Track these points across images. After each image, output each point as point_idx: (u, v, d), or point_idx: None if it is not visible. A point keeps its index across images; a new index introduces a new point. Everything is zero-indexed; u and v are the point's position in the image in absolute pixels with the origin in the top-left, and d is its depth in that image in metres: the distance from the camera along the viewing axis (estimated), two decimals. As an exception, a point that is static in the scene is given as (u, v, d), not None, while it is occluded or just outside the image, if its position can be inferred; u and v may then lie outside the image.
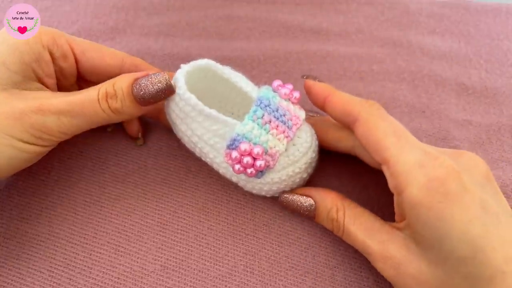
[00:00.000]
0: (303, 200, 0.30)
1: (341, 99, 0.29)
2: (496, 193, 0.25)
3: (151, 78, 0.29)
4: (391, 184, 0.26)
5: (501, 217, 0.23)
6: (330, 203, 0.29)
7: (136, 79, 0.29)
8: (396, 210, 0.27)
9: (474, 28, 0.47)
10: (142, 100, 0.29)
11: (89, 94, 0.28)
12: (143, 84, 0.28)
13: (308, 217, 0.31)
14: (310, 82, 0.31)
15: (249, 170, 0.28)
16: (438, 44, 0.45)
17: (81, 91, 0.29)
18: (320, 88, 0.30)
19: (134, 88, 0.28)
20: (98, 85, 0.29)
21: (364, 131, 0.27)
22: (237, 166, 0.28)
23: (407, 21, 0.47)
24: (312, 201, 0.30)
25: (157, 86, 0.28)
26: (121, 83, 0.29)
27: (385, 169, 0.26)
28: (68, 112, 0.28)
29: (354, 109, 0.28)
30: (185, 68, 0.31)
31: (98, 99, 0.28)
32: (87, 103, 0.28)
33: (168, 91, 0.29)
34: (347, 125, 0.29)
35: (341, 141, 0.31)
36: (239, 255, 0.31)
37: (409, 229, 0.25)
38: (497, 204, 0.24)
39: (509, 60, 0.44)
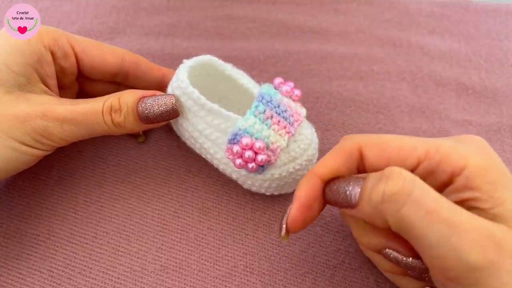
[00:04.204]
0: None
1: (333, 158, 0.25)
2: None
3: (157, 99, 0.29)
4: (443, 173, 0.23)
5: None
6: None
7: (143, 98, 0.29)
8: (458, 194, 0.23)
9: (474, 28, 0.47)
10: (145, 119, 0.29)
11: (94, 106, 0.29)
12: (148, 104, 0.29)
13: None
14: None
15: (250, 165, 0.28)
16: (438, 44, 0.45)
17: (87, 100, 0.29)
18: (309, 186, 0.25)
19: (140, 106, 0.29)
20: (103, 97, 0.29)
21: (378, 150, 0.24)
22: (238, 161, 0.28)
23: (407, 21, 0.47)
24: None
25: (162, 108, 0.29)
26: (127, 98, 0.29)
27: (425, 167, 0.23)
28: (72, 120, 0.28)
29: (349, 145, 0.25)
30: (187, 63, 0.31)
31: (102, 112, 0.29)
32: (91, 114, 0.28)
33: (173, 114, 0.30)
34: (353, 164, 0.25)
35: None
36: (239, 255, 0.31)
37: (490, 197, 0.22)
38: None
39: (509, 60, 0.44)
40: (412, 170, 0.24)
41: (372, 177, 0.23)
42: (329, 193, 0.25)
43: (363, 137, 0.25)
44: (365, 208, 0.23)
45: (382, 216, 0.22)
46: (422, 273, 0.25)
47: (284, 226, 0.25)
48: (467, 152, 0.23)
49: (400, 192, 0.21)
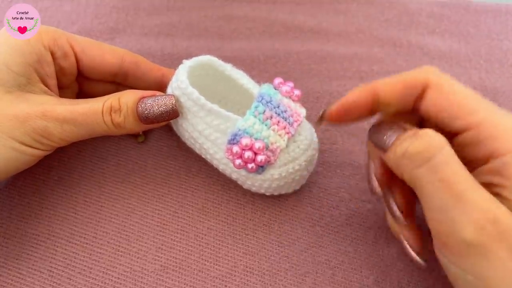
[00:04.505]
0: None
1: (395, 80, 0.26)
2: None
3: (157, 99, 0.29)
4: (483, 149, 0.23)
5: None
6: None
7: (143, 98, 0.29)
8: (490, 176, 0.23)
9: (474, 28, 0.47)
10: (145, 119, 0.29)
11: (93, 106, 0.28)
12: (148, 104, 0.29)
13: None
14: (343, 100, 0.27)
15: (249, 165, 0.28)
16: (438, 44, 0.45)
17: (86, 100, 0.29)
18: (361, 94, 0.26)
19: (139, 106, 0.29)
20: (103, 97, 0.29)
21: (439, 96, 0.24)
22: (237, 161, 0.28)
23: (407, 21, 0.47)
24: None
25: (162, 108, 0.29)
26: (127, 98, 0.29)
27: (472, 135, 0.23)
28: (71, 120, 0.28)
29: (418, 77, 0.25)
30: (187, 64, 0.31)
31: (102, 112, 0.28)
32: (91, 114, 0.28)
33: (173, 115, 0.30)
34: (410, 97, 0.25)
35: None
36: (239, 255, 0.31)
37: None
38: None
39: (509, 60, 0.44)
40: (457, 133, 0.24)
41: (409, 132, 0.23)
42: (372, 130, 0.27)
43: (437, 75, 0.25)
44: (389, 157, 0.24)
45: (400, 170, 0.23)
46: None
47: (321, 112, 0.28)
48: None
49: (421, 153, 0.22)
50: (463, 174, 0.21)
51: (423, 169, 0.22)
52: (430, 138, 0.22)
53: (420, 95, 0.25)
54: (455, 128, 0.24)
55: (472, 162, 0.23)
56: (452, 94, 0.24)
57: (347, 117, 0.27)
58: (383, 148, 0.25)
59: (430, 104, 0.25)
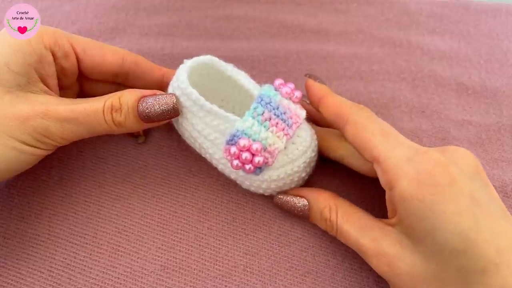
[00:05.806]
0: (296, 201, 0.31)
1: (334, 102, 0.30)
2: (485, 185, 0.25)
3: (158, 98, 0.29)
4: (382, 180, 0.27)
5: (491, 208, 0.24)
6: (323, 203, 0.30)
7: (143, 97, 0.29)
8: (388, 206, 0.27)
9: (474, 28, 0.47)
10: (146, 118, 0.29)
11: (94, 105, 0.28)
12: (149, 103, 0.29)
13: (302, 217, 0.31)
14: (310, 82, 0.32)
15: (247, 166, 0.28)
16: (438, 44, 0.45)
17: (87, 99, 0.29)
18: (318, 88, 0.31)
19: (140, 105, 0.29)
20: (104, 96, 0.29)
21: (354, 132, 0.28)
22: (235, 162, 0.28)
23: (407, 21, 0.47)
24: (305, 201, 0.30)
25: (163, 107, 0.29)
26: (128, 98, 0.29)
27: (376, 167, 0.27)
28: (72, 120, 0.28)
29: (345, 111, 0.29)
30: (188, 64, 0.31)
31: (103, 111, 0.28)
32: (92, 113, 0.28)
33: (173, 113, 0.30)
34: (337, 127, 0.30)
35: (330, 150, 0.32)
36: (239, 255, 0.31)
37: (401, 223, 0.25)
38: (487, 196, 0.24)
39: (509, 60, 0.44)
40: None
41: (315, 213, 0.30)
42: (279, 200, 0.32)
43: (356, 114, 0.29)
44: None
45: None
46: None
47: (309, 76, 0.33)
48: (401, 176, 0.25)
49: (330, 231, 0.30)
50: (356, 239, 0.28)
51: (338, 236, 0.29)
52: (326, 223, 0.30)
53: (343, 126, 0.29)
54: (366, 158, 0.28)
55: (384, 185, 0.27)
56: (363, 131, 0.27)
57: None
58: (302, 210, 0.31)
59: (348, 137, 0.29)
